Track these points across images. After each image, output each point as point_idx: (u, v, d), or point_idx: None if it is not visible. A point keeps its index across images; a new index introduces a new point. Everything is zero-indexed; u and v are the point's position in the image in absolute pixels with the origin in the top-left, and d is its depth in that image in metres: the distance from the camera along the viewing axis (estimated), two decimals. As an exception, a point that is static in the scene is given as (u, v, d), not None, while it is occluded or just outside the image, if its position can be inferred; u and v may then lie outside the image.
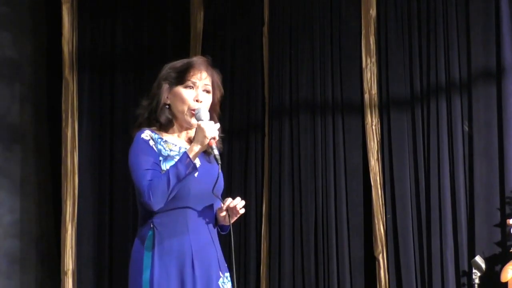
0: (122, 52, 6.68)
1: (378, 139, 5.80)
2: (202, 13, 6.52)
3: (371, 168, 5.76)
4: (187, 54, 6.25)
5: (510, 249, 5.19)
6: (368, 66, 5.87)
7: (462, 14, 5.63)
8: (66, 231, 6.35)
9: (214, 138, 3.03)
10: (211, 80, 3.17)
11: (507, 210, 5.35)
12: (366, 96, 5.85)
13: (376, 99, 5.83)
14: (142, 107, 3.20)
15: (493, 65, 5.52)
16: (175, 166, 3.01)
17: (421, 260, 5.58)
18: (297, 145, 6.03)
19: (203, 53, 6.16)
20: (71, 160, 6.42)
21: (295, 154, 6.02)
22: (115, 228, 6.50)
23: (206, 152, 3.14)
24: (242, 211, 3.13)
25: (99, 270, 6.48)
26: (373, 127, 5.82)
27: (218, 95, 3.20)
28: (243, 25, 6.38)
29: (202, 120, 3.06)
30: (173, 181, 2.98)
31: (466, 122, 5.56)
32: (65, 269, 6.31)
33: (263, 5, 6.29)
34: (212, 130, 3.02)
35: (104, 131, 6.61)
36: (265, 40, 6.26)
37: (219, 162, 3.03)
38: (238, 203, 3.10)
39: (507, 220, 5.24)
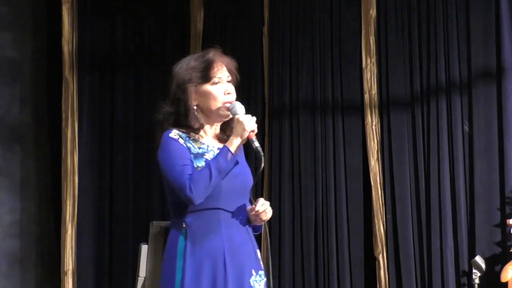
0: (122, 52, 6.68)
1: (378, 139, 5.80)
2: (202, 13, 6.51)
3: (371, 168, 5.76)
4: (187, 54, 6.23)
5: (510, 249, 5.19)
6: (368, 66, 5.87)
7: (462, 14, 5.63)
8: (66, 231, 6.35)
9: (253, 131, 3.05)
10: (229, 69, 3.17)
11: (507, 210, 5.35)
12: (366, 96, 5.85)
13: (376, 99, 5.83)
14: (165, 112, 3.13)
15: (493, 65, 5.52)
16: (215, 159, 3.00)
17: (421, 260, 5.58)
18: (297, 145, 6.02)
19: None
20: (71, 160, 6.42)
21: (295, 154, 6.02)
22: (115, 228, 6.50)
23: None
24: (269, 215, 3.14)
25: (99, 270, 6.48)
26: (373, 127, 5.82)
27: (235, 82, 3.20)
28: (243, 25, 6.38)
29: (239, 114, 3.06)
30: (214, 174, 2.96)
31: (466, 122, 5.56)
32: (65, 269, 6.31)
33: (263, 5, 6.28)
34: (251, 123, 3.04)
35: (104, 131, 6.60)
36: (265, 40, 6.25)
37: (261, 153, 3.03)
38: (260, 209, 3.09)
39: (507, 220, 5.25)
